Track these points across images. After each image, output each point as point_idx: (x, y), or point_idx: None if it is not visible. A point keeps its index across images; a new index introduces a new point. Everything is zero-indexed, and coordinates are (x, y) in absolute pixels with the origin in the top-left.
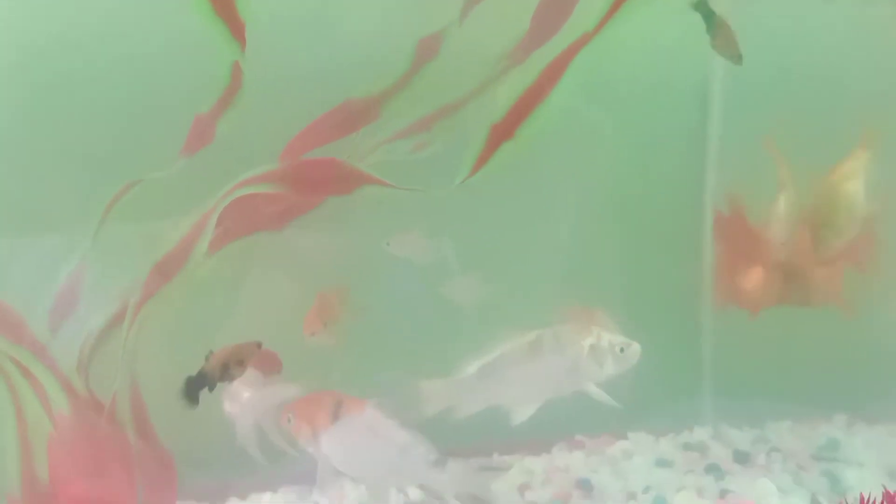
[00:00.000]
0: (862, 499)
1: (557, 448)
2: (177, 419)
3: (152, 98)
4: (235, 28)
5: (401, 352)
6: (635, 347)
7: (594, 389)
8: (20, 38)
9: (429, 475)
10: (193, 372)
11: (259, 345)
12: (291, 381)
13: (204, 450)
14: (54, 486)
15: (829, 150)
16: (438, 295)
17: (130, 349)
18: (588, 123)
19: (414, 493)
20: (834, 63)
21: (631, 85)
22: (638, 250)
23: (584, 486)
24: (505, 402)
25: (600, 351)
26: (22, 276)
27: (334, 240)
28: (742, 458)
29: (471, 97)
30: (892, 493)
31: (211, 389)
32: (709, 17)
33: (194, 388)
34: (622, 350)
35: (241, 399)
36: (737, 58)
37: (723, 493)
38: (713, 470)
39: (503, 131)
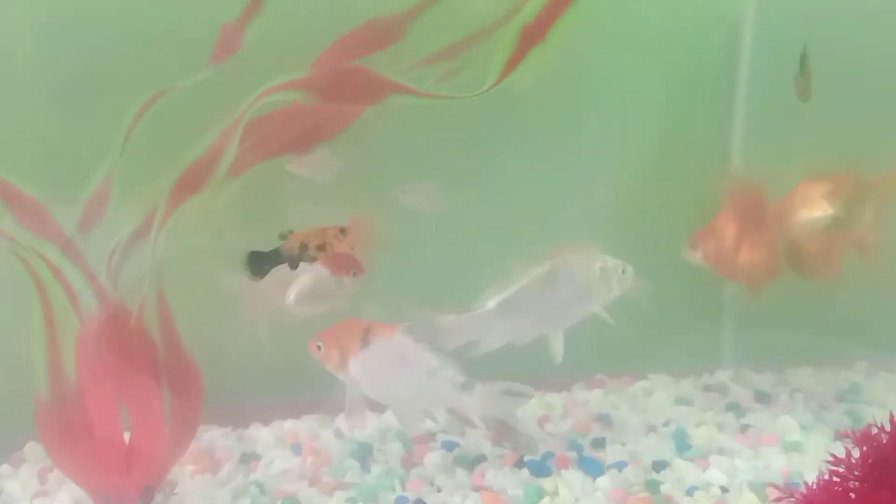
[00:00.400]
0: (870, 426)
1: (577, 387)
2: (202, 340)
3: (180, 5)
4: None
5: (421, 283)
6: (630, 269)
7: (603, 313)
8: None
9: (457, 398)
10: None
11: (343, 230)
12: None
13: (228, 374)
14: (82, 385)
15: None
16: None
17: (157, 259)
18: (615, 62)
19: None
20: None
21: (661, 22)
22: (661, 193)
23: (604, 419)
24: (526, 336)
25: (607, 273)
26: (51, 182)
27: (359, 167)
28: (763, 398)
29: (497, 25)
30: None
31: (293, 267)
32: (803, 60)
33: (266, 262)
34: (623, 272)
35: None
36: (805, 98)
37: (743, 429)
38: (733, 408)
39: (534, 33)
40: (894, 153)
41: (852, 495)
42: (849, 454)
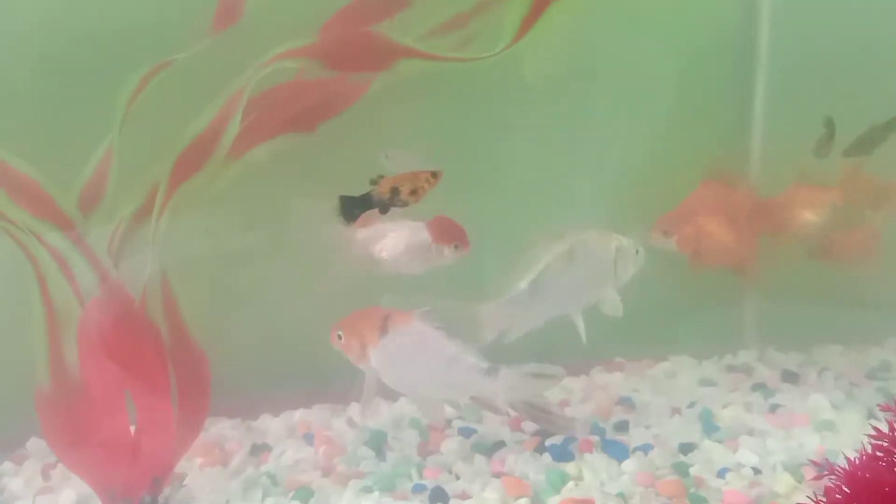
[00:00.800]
0: None
1: (596, 370)
2: (209, 329)
3: None
4: None
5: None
6: (643, 249)
7: (615, 294)
8: None
9: (481, 385)
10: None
11: (435, 174)
12: None
13: (234, 365)
14: (85, 374)
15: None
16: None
17: (159, 241)
18: (631, 47)
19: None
20: None
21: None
22: (678, 174)
23: (625, 403)
24: (551, 317)
25: (623, 253)
26: (50, 162)
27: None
28: (791, 377)
29: None
30: None
31: (383, 212)
32: (830, 126)
33: (357, 207)
34: (637, 252)
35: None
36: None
37: (773, 409)
38: (760, 388)
39: None
40: None
41: None
42: (892, 427)
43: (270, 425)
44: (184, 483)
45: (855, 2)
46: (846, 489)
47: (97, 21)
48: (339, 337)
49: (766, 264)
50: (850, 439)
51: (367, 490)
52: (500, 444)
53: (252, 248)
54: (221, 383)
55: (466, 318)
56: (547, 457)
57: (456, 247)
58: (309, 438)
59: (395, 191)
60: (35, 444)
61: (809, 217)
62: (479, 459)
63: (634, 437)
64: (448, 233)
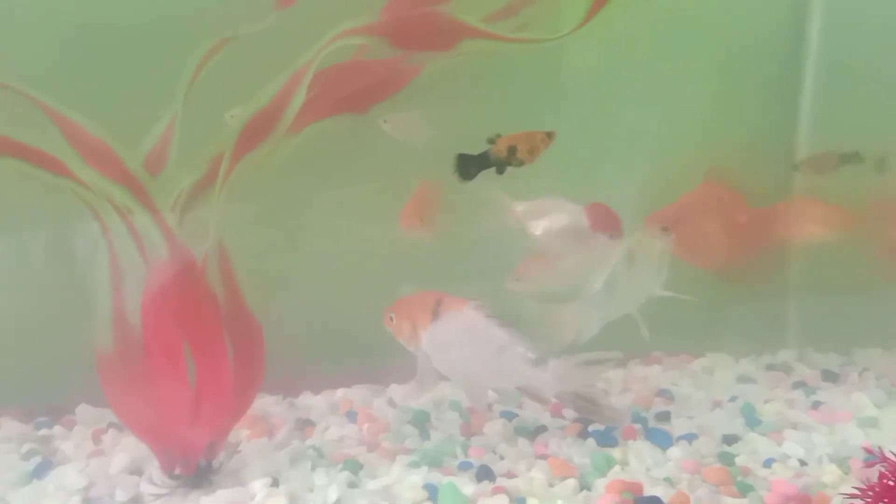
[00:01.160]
0: None
1: (633, 363)
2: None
3: None
4: None
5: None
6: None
7: (664, 293)
8: None
9: (529, 375)
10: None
11: (550, 134)
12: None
13: (278, 341)
14: (147, 334)
15: None
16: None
17: (221, 210)
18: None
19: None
20: None
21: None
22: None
23: (665, 395)
24: (617, 316)
25: (665, 256)
26: (115, 134)
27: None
28: (831, 377)
29: None
30: None
31: (499, 171)
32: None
33: (475, 165)
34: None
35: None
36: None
37: (815, 405)
38: (801, 386)
39: None
40: None
41: None
42: None
43: (312, 402)
44: (238, 449)
45: None
46: None
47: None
48: (391, 319)
49: (804, 266)
50: (894, 436)
51: (415, 465)
52: (542, 429)
53: (297, 228)
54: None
55: (547, 319)
56: (591, 442)
57: (611, 236)
58: (352, 416)
59: (511, 150)
60: (84, 411)
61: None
62: (522, 442)
63: (677, 426)
64: (606, 221)
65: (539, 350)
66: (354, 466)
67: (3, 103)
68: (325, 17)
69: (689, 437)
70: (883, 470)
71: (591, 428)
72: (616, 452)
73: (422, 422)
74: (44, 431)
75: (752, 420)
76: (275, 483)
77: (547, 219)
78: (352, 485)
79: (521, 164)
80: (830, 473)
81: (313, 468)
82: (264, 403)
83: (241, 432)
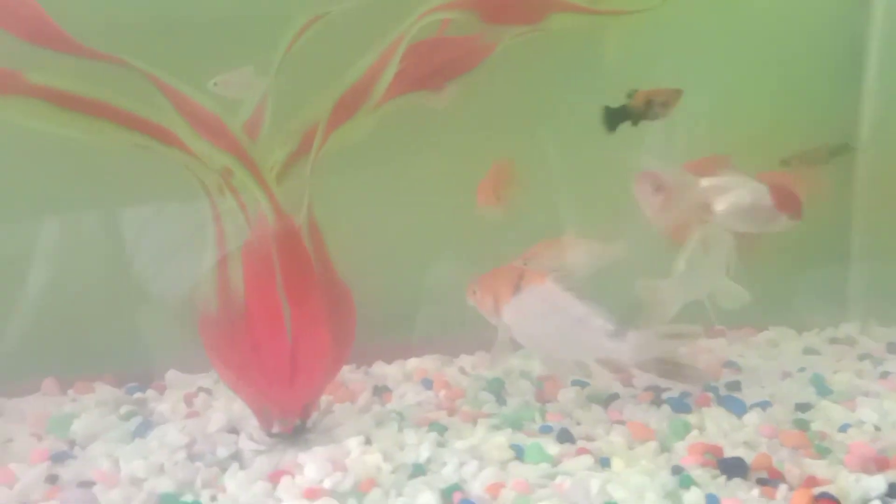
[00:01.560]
0: None
1: None
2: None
3: None
4: None
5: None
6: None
7: (735, 286)
8: None
9: (608, 347)
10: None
11: (680, 91)
12: None
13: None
14: (249, 296)
15: None
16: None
17: (314, 181)
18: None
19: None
20: None
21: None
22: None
23: (732, 366)
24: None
25: (733, 247)
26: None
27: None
28: None
29: None
30: None
31: (635, 123)
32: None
33: (615, 118)
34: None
35: None
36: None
37: (884, 375)
38: (867, 357)
39: None
40: None
41: None
42: None
43: (387, 371)
44: (332, 409)
45: None
46: None
47: None
48: (474, 292)
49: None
50: None
51: (497, 427)
52: (615, 396)
53: (373, 202)
54: None
55: (645, 295)
56: (665, 408)
57: (791, 217)
58: (427, 383)
59: (648, 103)
60: (174, 376)
61: None
62: (596, 409)
63: (748, 395)
64: (790, 202)
65: (617, 323)
66: (439, 428)
67: (115, 77)
68: None
69: (763, 405)
70: None
71: (664, 395)
72: (692, 418)
73: (497, 389)
74: (137, 395)
75: (822, 389)
76: (368, 441)
77: (731, 195)
78: (440, 444)
79: (656, 117)
80: None
81: (400, 429)
82: (342, 371)
83: (324, 396)
